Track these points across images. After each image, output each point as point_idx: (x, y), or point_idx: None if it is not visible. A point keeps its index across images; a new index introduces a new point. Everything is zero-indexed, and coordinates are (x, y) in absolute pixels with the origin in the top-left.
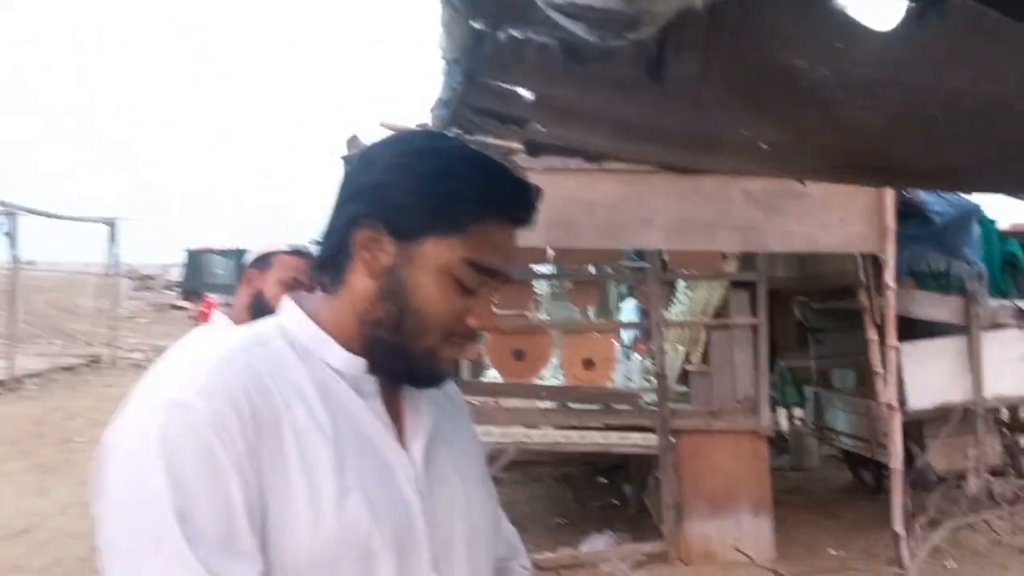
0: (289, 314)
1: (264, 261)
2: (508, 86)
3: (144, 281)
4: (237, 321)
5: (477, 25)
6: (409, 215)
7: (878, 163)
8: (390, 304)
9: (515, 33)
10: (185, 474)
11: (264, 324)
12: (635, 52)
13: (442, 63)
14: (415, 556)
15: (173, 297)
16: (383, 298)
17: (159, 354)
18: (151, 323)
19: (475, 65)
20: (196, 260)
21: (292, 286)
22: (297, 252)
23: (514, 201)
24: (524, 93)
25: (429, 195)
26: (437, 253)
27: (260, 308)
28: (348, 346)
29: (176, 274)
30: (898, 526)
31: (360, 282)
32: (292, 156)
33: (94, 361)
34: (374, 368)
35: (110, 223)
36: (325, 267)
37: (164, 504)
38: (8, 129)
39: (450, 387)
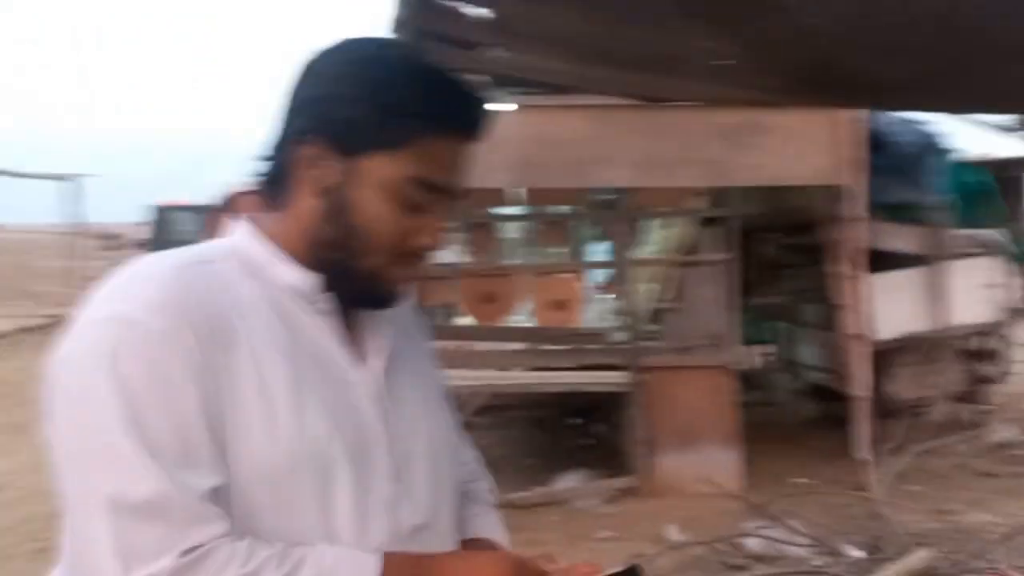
0: (240, 233)
1: (228, 203)
2: (467, 7)
3: (112, 239)
4: None
5: None
6: (352, 129)
7: (836, 78)
8: (335, 223)
9: None
10: (137, 389)
11: (210, 245)
12: None
13: None
14: (374, 467)
15: (140, 255)
16: (328, 217)
17: None
18: None
19: None
20: (165, 216)
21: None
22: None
23: (462, 114)
24: (483, 12)
25: (374, 107)
26: (382, 168)
27: None
28: (301, 262)
29: (145, 232)
30: (863, 453)
31: (305, 200)
32: None
33: (61, 322)
34: (327, 287)
35: (69, 180)
36: (271, 184)
37: (116, 417)
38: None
39: (413, 313)
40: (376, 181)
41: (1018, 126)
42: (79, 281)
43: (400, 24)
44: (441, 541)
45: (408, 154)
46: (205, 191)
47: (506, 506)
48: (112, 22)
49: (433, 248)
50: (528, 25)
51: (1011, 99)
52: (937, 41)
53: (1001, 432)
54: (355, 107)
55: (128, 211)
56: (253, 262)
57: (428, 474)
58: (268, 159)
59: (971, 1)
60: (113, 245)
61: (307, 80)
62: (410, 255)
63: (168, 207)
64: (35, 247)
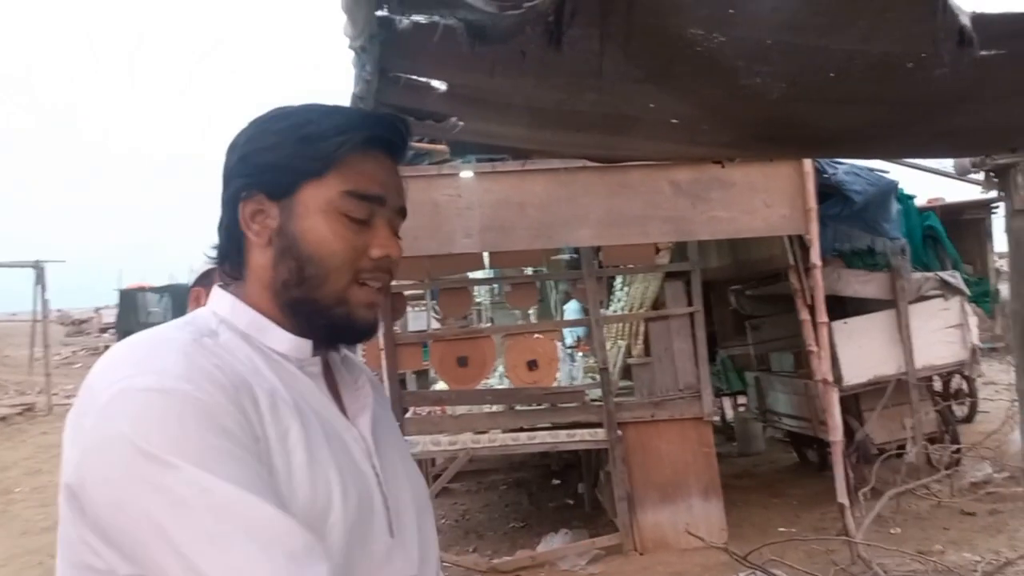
0: (223, 303)
1: (207, 278)
2: (420, 78)
3: (77, 325)
4: None
5: (382, 12)
6: (278, 170)
7: (784, 132)
8: (289, 260)
9: (419, 19)
10: (216, 448)
11: (201, 314)
12: (534, 22)
13: (350, 53)
14: (375, 523)
15: (109, 340)
16: (281, 258)
17: None
18: (87, 368)
19: (384, 56)
20: (129, 299)
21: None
22: None
23: (375, 126)
24: (437, 84)
25: (290, 145)
26: (315, 196)
27: None
28: (281, 325)
29: (109, 316)
30: (842, 498)
31: (258, 255)
32: None
33: (28, 410)
34: (313, 341)
35: (37, 267)
36: (227, 256)
37: (220, 478)
38: None
39: (367, 370)
40: (314, 208)
41: (973, 170)
42: (46, 369)
43: (358, 99)
44: None
45: (335, 174)
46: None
47: (491, 572)
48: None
49: (390, 258)
50: (478, 94)
51: (953, 145)
52: (881, 89)
53: (976, 470)
54: (275, 152)
55: (91, 295)
56: (243, 331)
57: (416, 528)
58: (218, 235)
59: (911, 54)
60: (79, 331)
61: (230, 153)
62: (369, 271)
63: (132, 290)
64: (2, 337)
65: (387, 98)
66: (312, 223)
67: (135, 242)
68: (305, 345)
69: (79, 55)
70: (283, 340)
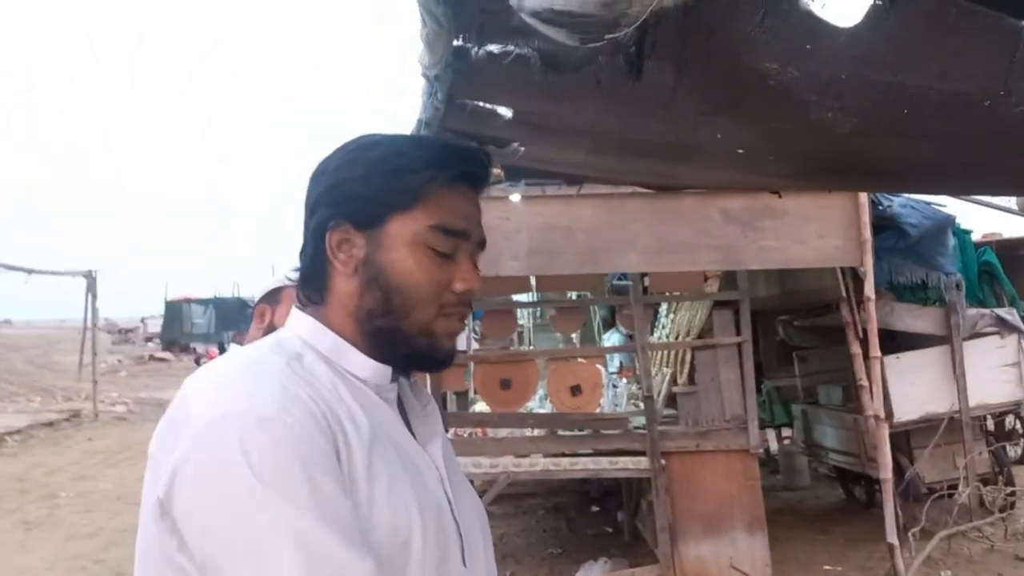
0: (304, 325)
1: (273, 296)
2: (487, 104)
3: (123, 334)
4: None
5: (458, 41)
6: (367, 202)
7: (850, 165)
8: (375, 291)
9: (494, 48)
10: (305, 479)
11: (285, 336)
12: (613, 54)
13: (422, 81)
14: (451, 552)
15: (153, 349)
16: (367, 288)
17: (141, 407)
18: (132, 376)
19: (455, 83)
20: (175, 311)
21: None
22: None
23: (461, 160)
24: (503, 111)
25: (379, 176)
26: (403, 228)
27: None
28: (362, 351)
29: (155, 326)
30: (892, 538)
31: (343, 283)
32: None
33: (75, 416)
34: (385, 361)
35: (89, 276)
36: (309, 282)
37: (302, 511)
38: None
39: (425, 394)
40: (401, 240)
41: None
42: (93, 376)
43: (425, 124)
44: None
45: (422, 207)
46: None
47: None
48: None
49: (471, 291)
50: (545, 120)
51: (1021, 184)
52: (953, 127)
53: None
54: (364, 183)
55: (140, 305)
56: (325, 354)
57: (484, 554)
58: (301, 260)
59: (987, 92)
60: (124, 339)
61: (317, 180)
62: (452, 304)
63: (177, 301)
64: (48, 343)
65: (452, 124)
66: (399, 255)
67: (182, 252)
68: (385, 371)
69: (79, 57)
70: (364, 365)
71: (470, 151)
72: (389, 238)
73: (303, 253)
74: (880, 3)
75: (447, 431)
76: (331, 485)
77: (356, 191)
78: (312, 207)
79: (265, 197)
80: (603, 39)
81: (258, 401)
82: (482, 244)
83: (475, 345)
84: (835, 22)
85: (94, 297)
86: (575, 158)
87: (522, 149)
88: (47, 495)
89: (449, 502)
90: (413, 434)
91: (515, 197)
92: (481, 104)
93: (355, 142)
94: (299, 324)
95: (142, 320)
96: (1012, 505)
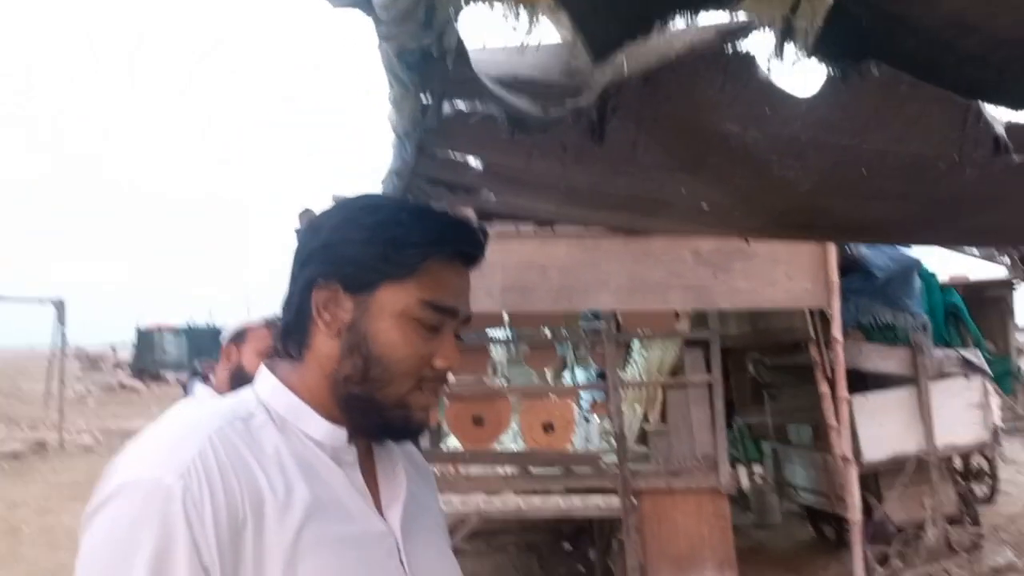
0: (266, 385)
1: (240, 336)
2: (457, 156)
3: (92, 362)
4: (220, 394)
5: (425, 100)
6: (361, 267)
7: (812, 220)
8: (356, 358)
9: (462, 107)
10: (159, 561)
11: (244, 395)
12: (576, 119)
13: (392, 137)
14: None
15: (123, 376)
16: (348, 353)
17: (109, 437)
18: (101, 405)
19: (424, 137)
20: (147, 339)
21: (270, 357)
22: (271, 324)
23: (460, 239)
24: (473, 162)
25: (377, 244)
26: (393, 299)
27: (240, 381)
28: (324, 412)
29: (125, 353)
30: None
31: (324, 343)
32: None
33: (40, 446)
34: (353, 432)
35: (57, 304)
36: (290, 335)
37: None
38: None
39: (414, 452)
40: (389, 310)
41: (999, 253)
42: (60, 404)
43: (395, 175)
44: None
45: (416, 281)
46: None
47: None
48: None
49: (450, 369)
50: (514, 172)
51: (981, 240)
52: (911, 186)
53: (996, 555)
54: (361, 248)
55: (110, 331)
56: (278, 413)
57: None
58: (284, 312)
59: (943, 156)
60: (95, 367)
61: (313, 234)
62: (431, 379)
63: (150, 330)
64: (15, 370)
65: (423, 171)
66: (385, 325)
67: (151, 278)
68: (341, 434)
69: (78, 57)
70: (319, 428)
71: (469, 229)
72: (377, 306)
73: (287, 305)
74: (834, 75)
75: None
76: (187, 573)
77: (351, 254)
78: (303, 260)
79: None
80: (565, 105)
81: (163, 468)
82: (467, 320)
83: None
84: (791, 91)
85: (62, 324)
86: (547, 208)
87: (493, 198)
88: (9, 529)
89: (405, 571)
90: (378, 497)
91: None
92: (452, 155)
93: (356, 202)
94: (262, 383)
95: (112, 347)
96: (978, 546)
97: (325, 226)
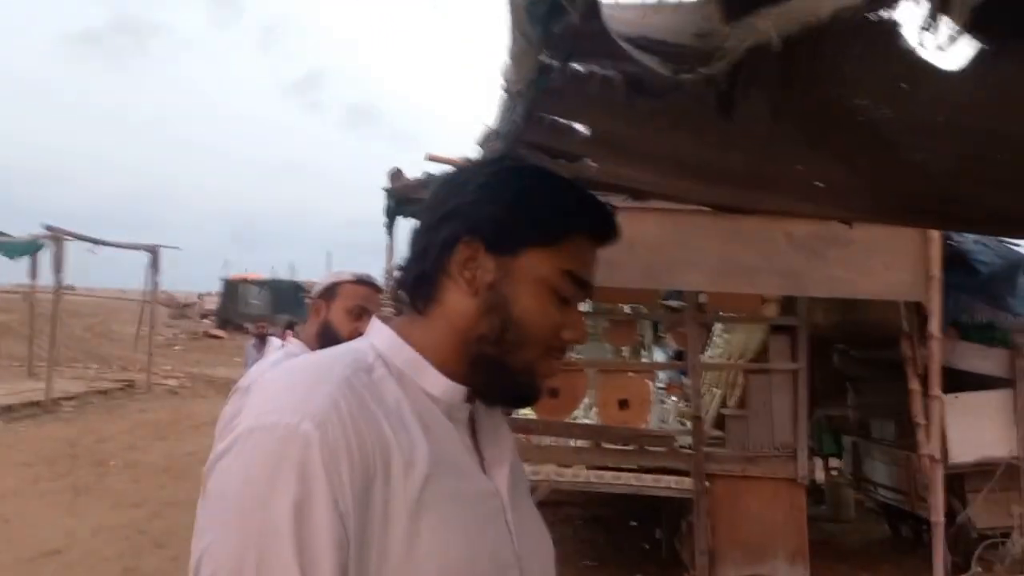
0: (382, 337)
1: (330, 291)
2: (564, 120)
3: (180, 309)
4: (310, 349)
5: (545, 58)
6: (507, 229)
7: (934, 206)
8: (494, 318)
9: (580, 68)
10: (298, 509)
11: (359, 347)
12: (701, 87)
13: (502, 95)
14: None
15: (208, 325)
16: (486, 313)
17: (194, 381)
18: (185, 351)
19: (537, 99)
20: (232, 290)
21: (358, 314)
22: (361, 281)
23: (602, 217)
24: (580, 128)
25: (528, 209)
26: (536, 265)
27: (328, 337)
28: (443, 369)
29: (211, 302)
30: None
31: (459, 300)
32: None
33: (129, 386)
34: (473, 391)
35: (152, 250)
36: (417, 289)
37: (280, 537)
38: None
39: (497, 416)
40: (532, 276)
41: None
42: (148, 347)
43: (500, 136)
44: None
45: (560, 250)
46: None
47: None
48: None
49: (578, 341)
50: (621, 141)
51: None
52: None
53: None
54: (511, 210)
55: (200, 281)
56: (397, 368)
57: None
58: (412, 265)
59: None
60: (182, 314)
61: (453, 192)
62: (557, 348)
63: (236, 280)
64: (108, 312)
65: (527, 136)
66: (528, 289)
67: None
68: (459, 391)
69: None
70: (438, 384)
71: (608, 209)
72: (520, 270)
73: (417, 258)
74: (988, 48)
75: None
76: (328, 522)
77: (500, 215)
78: (445, 215)
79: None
80: (696, 72)
81: (300, 414)
82: (590, 297)
83: None
84: (937, 64)
85: (156, 272)
86: (645, 178)
87: (594, 166)
88: (97, 462)
89: (511, 532)
90: (482, 456)
91: None
92: (559, 120)
93: (502, 163)
94: (378, 335)
95: (199, 296)
96: None
97: (472, 184)
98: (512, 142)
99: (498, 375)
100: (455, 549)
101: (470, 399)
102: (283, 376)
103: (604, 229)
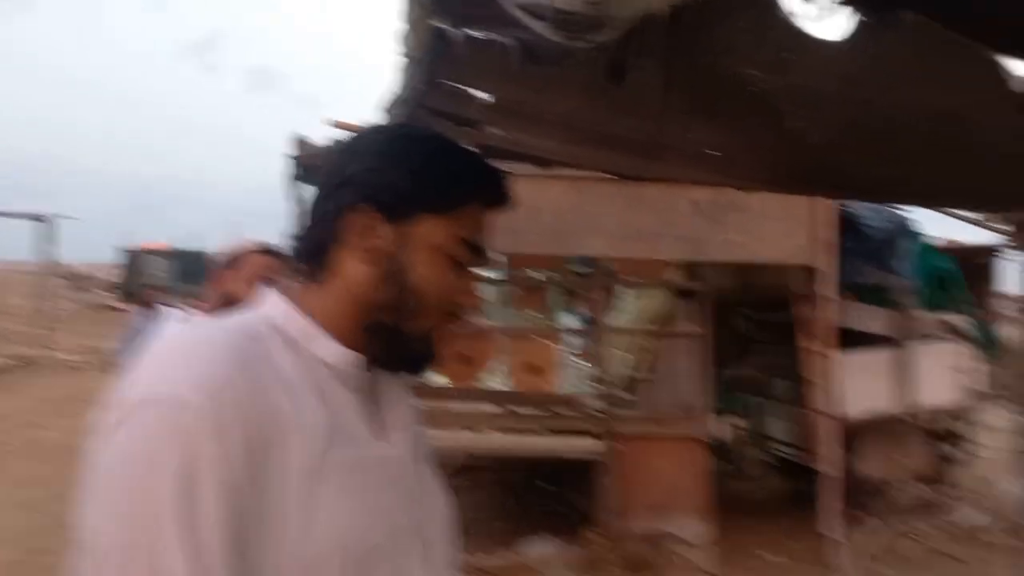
0: (275, 306)
1: (233, 261)
2: (466, 88)
3: (80, 281)
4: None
5: (441, 24)
6: (404, 196)
7: (822, 175)
8: (391, 286)
9: (476, 34)
10: (185, 481)
11: (249, 316)
12: (594, 56)
13: (402, 61)
14: (409, 552)
15: (110, 298)
16: (383, 281)
17: (97, 356)
18: (89, 324)
19: (436, 65)
20: (136, 260)
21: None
22: (265, 250)
23: (496, 185)
24: (481, 95)
25: (423, 177)
26: (433, 232)
27: (231, 307)
28: (339, 337)
29: (112, 273)
30: (833, 532)
31: (354, 268)
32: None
33: (28, 362)
34: (369, 358)
35: (43, 219)
36: (311, 257)
37: (164, 511)
38: None
39: (398, 383)
40: (429, 243)
41: (998, 220)
42: (46, 321)
43: (402, 103)
44: None
45: (456, 217)
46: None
47: (473, 571)
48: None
49: (472, 307)
50: (523, 108)
51: (987, 201)
52: (927, 148)
53: (970, 516)
54: (408, 177)
55: (100, 251)
56: (290, 336)
57: (445, 554)
58: (306, 233)
59: (966, 116)
60: (82, 286)
61: (353, 158)
62: (454, 314)
63: (139, 250)
64: (3, 284)
65: (430, 102)
66: (424, 257)
67: (140, 204)
68: (355, 359)
69: None
70: (333, 352)
71: (503, 176)
72: (418, 236)
73: (312, 227)
74: (867, 21)
75: None
76: (218, 497)
77: (394, 183)
78: (341, 183)
79: None
80: (586, 40)
81: (189, 385)
82: (485, 264)
83: None
84: (819, 36)
85: (51, 242)
86: (548, 146)
87: (499, 133)
88: None
89: (409, 497)
90: (382, 423)
91: None
92: (460, 87)
93: (399, 130)
94: (272, 304)
95: (99, 268)
96: (952, 507)
97: (368, 151)
98: (416, 109)
99: (395, 342)
100: (353, 517)
101: (368, 367)
102: (173, 346)
103: (499, 196)
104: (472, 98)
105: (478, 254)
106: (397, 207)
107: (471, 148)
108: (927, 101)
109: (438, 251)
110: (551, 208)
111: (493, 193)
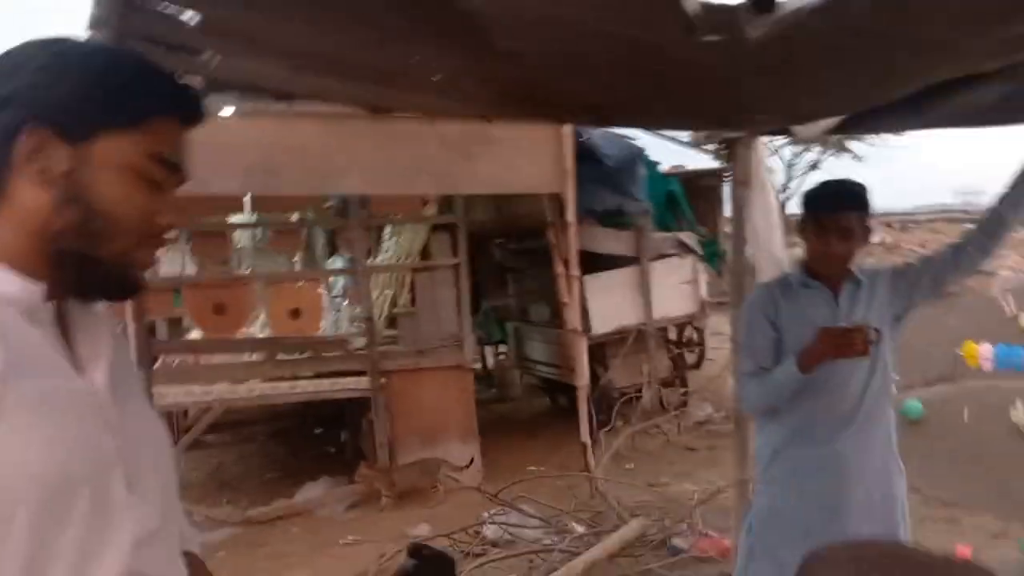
0: None
1: None
2: (169, 7)
3: None
4: None
5: None
6: (79, 113)
7: (538, 97)
8: (73, 211)
9: None
10: None
11: None
12: None
13: None
14: (110, 481)
15: None
16: (63, 206)
17: None
18: None
19: None
20: None
21: None
22: None
23: (183, 97)
24: (188, 15)
25: (98, 89)
26: (117, 149)
27: None
28: (18, 268)
29: None
30: (585, 437)
31: (28, 194)
32: None
33: None
34: (59, 290)
35: None
36: None
37: None
38: None
39: (105, 317)
40: (114, 162)
41: (706, 142)
42: None
43: (97, 21)
44: (171, 545)
45: (143, 132)
46: None
47: (245, 523)
48: None
49: (173, 227)
50: (240, 30)
51: (697, 120)
52: (623, 70)
53: (700, 411)
54: (79, 93)
55: None
56: None
57: (158, 482)
58: None
59: (650, 38)
60: None
61: (13, 73)
62: (154, 236)
63: None
64: None
65: (132, 25)
66: (111, 177)
67: None
68: (37, 291)
69: None
70: (11, 284)
71: (190, 89)
72: (100, 155)
73: None
74: None
75: (155, 360)
76: None
77: (66, 99)
78: (1, 102)
79: None
80: None
81: None
82: (183, 183)
83: (192, 269)
84: None
85: None
86: (279, 75)
87: (218, 58)
88: None
89: (110, 429)
90: (76, 355)
91: (226, 112)
92: (163, 6)
93: (63, 44)
94: None
95: None
96: (685, 404)
97: (28, 66)
98: (116, 34)
99: (86, 270)
100: (44, 452)
101: (55, 297)
102: None
103: (188, 109)
104: (180, 20)
105: (175, 171)
106: (70, 125)
107: (152, 61)
108: (617, 25)
109: (126, 170)
110: (305, 147)
111: (181, 105)
